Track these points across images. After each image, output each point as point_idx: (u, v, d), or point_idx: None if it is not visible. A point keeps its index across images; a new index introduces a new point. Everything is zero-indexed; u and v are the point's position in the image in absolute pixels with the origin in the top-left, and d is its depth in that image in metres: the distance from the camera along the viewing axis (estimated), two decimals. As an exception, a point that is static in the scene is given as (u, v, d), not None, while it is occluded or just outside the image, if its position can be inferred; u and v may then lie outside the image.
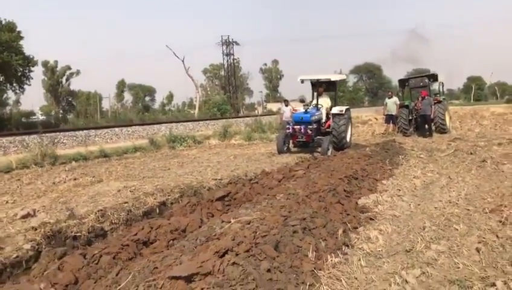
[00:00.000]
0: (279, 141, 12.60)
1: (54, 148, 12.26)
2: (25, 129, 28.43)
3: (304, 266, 3.48)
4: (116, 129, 18.41)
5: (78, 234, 4.99)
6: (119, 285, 3.08)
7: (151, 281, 2.96)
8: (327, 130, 12.72)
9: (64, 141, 14.91)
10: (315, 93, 13.40)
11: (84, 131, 17.11)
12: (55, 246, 4.71)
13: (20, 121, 41.34)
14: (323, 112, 13.02)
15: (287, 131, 12.66)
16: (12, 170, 10.31)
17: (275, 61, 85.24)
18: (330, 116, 12.93)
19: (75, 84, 67.32)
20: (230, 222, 4.40)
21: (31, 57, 32.83)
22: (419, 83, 17.67)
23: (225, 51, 54.76)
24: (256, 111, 63.91)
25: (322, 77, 13.66)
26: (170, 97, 73.64)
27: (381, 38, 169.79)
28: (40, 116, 63.31)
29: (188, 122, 24.77)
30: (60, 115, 58.85)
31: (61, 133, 16.02)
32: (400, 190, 6.55)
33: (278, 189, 6.25)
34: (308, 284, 3.18)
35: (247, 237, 3.69)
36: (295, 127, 12.37)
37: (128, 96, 72.04)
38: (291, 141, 13.00)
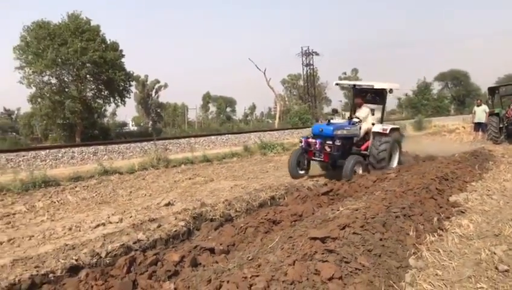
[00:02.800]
0: (292, 161, 10.04)
1: (166, 153, 14.12)
2: (118, 138, 31.80)
3: (407, 240, 4.38)
4: (212, 137, 20.31)
5: (213, 217, 6.29)
6: (267, 246, 4.22)
7: (292, 241, 4.06)
8: (363, 152, 10.17)
9: (169, 148, 16.87)
10: (358, 104, 10.93)
11: (186, 139, 19.12)
12: (199, 225, 6.05)
13: (115, 131, 45.79)
14: (362, 128, 10.35)
15: (301, 146, 10.19)
16: (135, 171, 12.14)
17: (355, 70, 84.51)
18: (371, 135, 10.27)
19: (163, 97, 72.30)
20: (339, 209, 5.41)
21: (131, 73, 36.48)
22: (510, 90, 17.37)
23: (305, 62, 55.87)
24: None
25: (362, 83, 11.41)
26: (253, 108, 76.47)
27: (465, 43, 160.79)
28: (131, 127, 69.00)
29: (272, 131, 26.13)
30: (150, 126, 63.79)
31: (167, 141, 18.13)
32: (489, 191, 7.10)
33: (374, 188, 7.14)
34: (412, 251, 4.10)
35: (359, 218, 4.67)
36: (309, 140, 9.88)
37: (212, 108, 75.90)
38: (310, 161, 10.22)
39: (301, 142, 10.16)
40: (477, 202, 6.29)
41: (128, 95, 37.17)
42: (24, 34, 32.23)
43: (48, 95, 32.30)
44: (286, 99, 73.48)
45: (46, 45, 31.21)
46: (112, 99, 35.84)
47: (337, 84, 11.37)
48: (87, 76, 33.25)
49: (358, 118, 10.42)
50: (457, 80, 77.91)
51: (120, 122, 62.05)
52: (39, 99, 33.02)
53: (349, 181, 8.25)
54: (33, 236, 6.01)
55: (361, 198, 6.21)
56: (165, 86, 70.38)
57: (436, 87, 75.48)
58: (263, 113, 78.46)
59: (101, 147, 15.93)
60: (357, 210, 5.18)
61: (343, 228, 4.28)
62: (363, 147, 10.37)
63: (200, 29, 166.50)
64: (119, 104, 36.63)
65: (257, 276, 3.11)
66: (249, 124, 57.00)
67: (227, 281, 2.98)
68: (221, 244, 4.46)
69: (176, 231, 5.74)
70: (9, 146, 25.77)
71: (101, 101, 36.06)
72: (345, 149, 9.86)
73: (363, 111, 10.74)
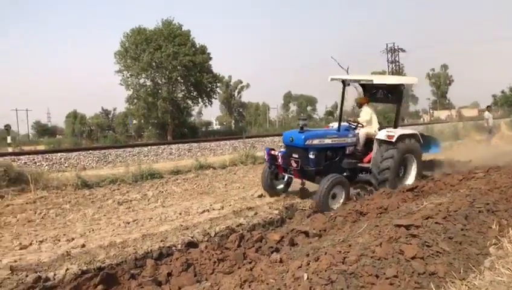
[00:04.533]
0: (265, 173, 8.58)
1: (253, 150, 15.09)
2: (205, 136, 33.74)
3: (489, 233, 4.68)
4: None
5: (303, 208, 6.96)
6: (355, 232, 4.79)
7: (378, 228, 4.59)
8: (364, 165, 8.44)
9: (255, 145, 17.87)
10: (359, 104, 9.29)
11: (270, 137, 20.06)
12: (291, 214, 6.77)
13: (201, 129, 48.38)
14: (361, 133, 8.61)
15: (265, 160, 8.65)
16: (226, 167, 13.18)
17: (444, 66, 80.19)
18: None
19: (246, 97, 74.44)
20: (423, 204, 5.79)
21: (218, 74, 38.45)
22: None
23: (390, 59, 54.48)
24: (421, 119, 61.64)
25: (362, 77, 9.13)
26: (335, 107, 76.06)
27: None
28: (214, 126, 72.09)
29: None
30: (232, 125, 66.22)
31: (252, 139, 19.19)
32: None
33: (460, 186, 7.33)
34: (493, 241, 4.42)
35: (442, 211, 5.05)
36: (273, 152, 8.26)
37: (292, 107, 76.77)
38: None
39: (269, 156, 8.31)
40: None
41: (214, 96, 39.28)
42: (123, 40, 35.40)
43: (143, 96, 35.20)
44: (369, 97, 71.99)
45: (142, 49, 34.05)
46: (199, 100, 38.06)
47: (332, 79, 8.37)
48: (178, 78, 35.64)
49: (356, 122, 8.82)
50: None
51: (205, 122, 65.15)
52: (135, 100, 36.10)
53: (323, 212, 6.54)
54: (152, 218, 7.14)
55: (445, 195, 6.49)
56: (247, 86, 72.39)
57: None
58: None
59: (195, 144, 17.37)
60: (440, 204, 5.53)
61: (427, 218, 4.70)
62: (365, 159, 8.50)
63: (282, 28, 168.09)
64: (206, 104, 38.77)
65: (348, 252, 3.71)
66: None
67: (325, 253, 3.61)
68: (314, 229, 5.12)
69: (271, 218, 6.52)
70: (110, 143, 28.71)
71: (190, 102, 38.46)
72: (329, 163, 8.07)
73: (364, 112, 8.95)
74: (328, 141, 8.00)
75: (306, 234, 4.95)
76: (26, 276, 4.30)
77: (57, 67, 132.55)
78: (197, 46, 36.39)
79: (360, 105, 9.17)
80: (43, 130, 61.49)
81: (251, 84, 75.97)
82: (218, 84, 40.03)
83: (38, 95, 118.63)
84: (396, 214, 5.46)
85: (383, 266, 3.49)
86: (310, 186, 8.17)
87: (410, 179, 8.61)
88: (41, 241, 6.09)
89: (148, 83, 35.89)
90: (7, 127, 20.71)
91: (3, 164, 10.02)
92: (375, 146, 8.29)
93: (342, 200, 7.31)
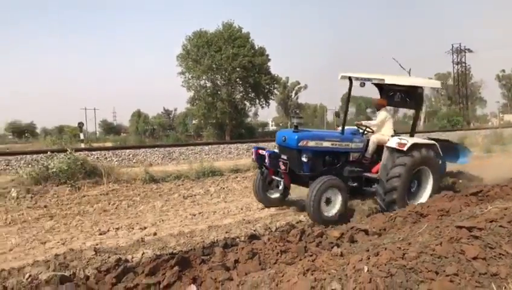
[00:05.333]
0: (257, 180, 7.94)
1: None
2: (262, 137, 34.17)
3: (558, 239, 4.57)
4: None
5: (363, 208, 7.06)
6: (415, 232, 4.86)
7: (439, 229, 4.63)
8: (372, 175, 7.63)
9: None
10: (377, 106, 8.50)
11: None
12: (351, 214, 6.91)
13: (257, 130, 49.03)
14: (372, 140, 7.89)
15: (253, 159, 7.88)
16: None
17: (516, 67, 75.32)
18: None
19: (303, 98, 74.36)
20: (487, 208, 5.71)
21: (276, 76, 38.84)
22: None
23: (455, 60, 52.22)
24: (489, 123, 58.52)
25: (372, 76, 7.61)
26: (396, 109, 73.94)
27: None
28: (270, 127, 72.57)
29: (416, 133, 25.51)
30: (289, 126, 66.34)
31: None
32: None
33: (528, 192, 7.10)
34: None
35: (507, 215, 4.98)
36: (260, 152, 7.49)
37: (351, 108, 75.55)
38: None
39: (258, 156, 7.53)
40: None
41: (272, 97, 39.68)
42: (185, 43, 36.73)
43: (203, 97, 36.32)
44: (433, 100, 69.36)
45: (203, 52, 35.13)
46: (257, 101, 38.62)
47: (343, 77, 7.60)
48: (237, 80, 36.42)
49: (365, 126, 8.09)
50: None
51: (262, 122, 65.80)
52: (196, 101, 37.32)
53: (315, 221, 6.42)
54: (215, 212, 7.56)
55: (512, 200, 6.34)
56: (305, 87, 72.24)
57: None
58: (406, 115, 75.24)
59: (253, 144, 17.77)
60: (506, 209, 5.44)
61: (491, 221, 4.68)
62: (374, 169, 7.73)
63: (341, 30, 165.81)
64: (263, 105, 39.26)
65: (408, 249, 3.83)
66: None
67: (384, 249, 3.76)
68: (373, 227, 5.24)
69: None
70: (173, 141, 29.94)
71: (247, 103, 39.13)
72: (327, 169, 7.30)
73: (380, 116, 8.21)
74: (327, 144, 7.27)
75: (366, 232, 5.09)
76: (109, 257, 4.79)
77: (122, 70, 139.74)
78: (256, 47, 36.96)
79: (378, 107, 8.39)
80: (109, 128, 65.05)
81: (309, 85, 75.75)
82: (276, 86, 40.37)
83: (105, 95, 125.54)
84: (458, 217, 5.45)
85: (443, 264, 3.58)
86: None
87: (423, 197, 7.58)
88: (117, 229, 6.68)
89: (208, 84, 36.98)
90: (80, 125, 22.19)
91: (80, 158, 10.90)
92: (384, 154, 7.42)
93: (338, 207, 6.69)
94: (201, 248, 5.00)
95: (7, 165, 11.99)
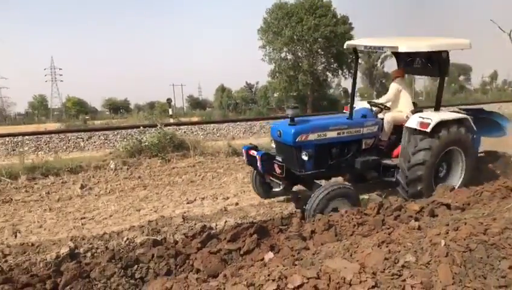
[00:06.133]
0: (253, 175, 6.99)
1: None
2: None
3: None
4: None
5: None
6: (502, 207, 4.61)
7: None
8: (391, 162, 6.59)
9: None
10: (393, 77, 7.22)
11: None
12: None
13: (340, 102, 47.94)
14: (386, 119, 6.72)
15: (246, 160, 6.76)
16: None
17: None
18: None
19: (390, 67, 70.78)
20: None
21: (358, 45, 37.56)
22: None
23: None
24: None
25: (383, 43, 6.54)
26: (494, 75, 67.98)
27: None
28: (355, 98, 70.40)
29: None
30: (374, 97, 64.01)
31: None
32: None
33: None
34: None
35: None
36: (250, 152, 6.31)
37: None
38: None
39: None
40: None
41: (355, 68, 38.52)
42: (266, 16, 36.71)
43: (284, 70, 36.31)
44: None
45: (284, 24, 34.88)
46: (340, 72, 37.76)
47: (348, 45, 6.69)
48: (319, 50, 35.80)
49: (379, 104, 6.83)
50: None
51: (345, 94, 64.13)
52: (277, 74, 37.43)
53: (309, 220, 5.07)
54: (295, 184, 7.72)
55: None
56: (392, 55, 68.66)
57: None
58: (506, 82, 68.80)
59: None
60: None
61: None
62: (394, 153, 6.67)
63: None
64: (346, 76, 38.26)
65: (491, 225, 3.67)
66: (488, 94, 51.16)
67: (464, 223, 3.65)
68: (456, 202, 5.05)
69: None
70: (255, 115, 30.51)
71: (329, 74, 38.43)
72: (335, 163, 6.29)
73: (391, 88, 6.97)
74: (332, 134, 6.13)
75: (447, 206, 4.92)
76: (195, 224, 5.21)
77: (206, 46, 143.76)
78: (338, 16, 35.87)
79: (394, 79, 7.11)
80: (196, 103, 67.87)
81: (395, 53, 71.77)
82: (360, 55, 39.16)
83: (192, 71, 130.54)
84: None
85: (530, 241, 3.41)
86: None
87: (455, 182, 6.50)
88: (202, 198, 7.17)
89: (290, 56, 36.82)
90: (169, 101, 23.56)
91: (169, 132, 11.65)
92: (404, 136, 6.35)
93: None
94: (280, 218, 5.22)
95: (105, 140, 13.23)
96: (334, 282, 2.97)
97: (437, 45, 6.43)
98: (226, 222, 5.37)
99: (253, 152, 6.18)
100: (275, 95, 45.09)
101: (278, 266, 3.30)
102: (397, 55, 7.63)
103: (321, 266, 3.15)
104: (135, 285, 3.56)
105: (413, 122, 6.15)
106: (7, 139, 13.27)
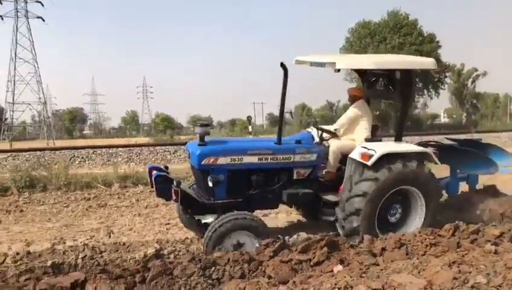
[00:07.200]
0: (178, 205, 5.89)
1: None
2: (431, 130, 31.86)
3: None
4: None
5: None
6: None
7: None
8: (332, 199, 5.61)
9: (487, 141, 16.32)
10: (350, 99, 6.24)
11: (507, 132, 18.03)
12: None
13: (426, 123, 45.90)
14: (332, 148, 5.82)
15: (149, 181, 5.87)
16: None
17: None
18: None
19: (481, 86, 66.32)
20: None
21: (447, 64, 35.92)
22: None
23: None
24: None
25: (321, 59, 5.57)
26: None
27: None
28: (442, 119, 66.98)
29: None
30: (464, 118, 60.35)
31: (484, 134, 17.59)
32: None
33: None
34: None
35: None
36: (154, 172, 5.51)
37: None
38: None
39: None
40: None
41: (442, 87, 36.89)
42: (348, 35, 36.67)
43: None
44: None
45: (366, 43, 34.59)
46: (425, 91, 36.38)
47: (297, 62, 5.79)
48: (403, 70, 34.85)
49: (324, 130, 5.92)
50: None
51: (432, 114, 61.39)
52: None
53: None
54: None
55: None
56: (484, 74, 64.52)
57: None
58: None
59: (416, 138, 17.02)
60: None
61: None
62: (341, 188, 5.62)
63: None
64: (433, 96, 36.77)
65: None
66: None
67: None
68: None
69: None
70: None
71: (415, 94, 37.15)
72: (257, 193, 5.51)
73: (348, 113, 6.06)
74: (251, 159, 5.37)
75: (532, 233, 4.68)
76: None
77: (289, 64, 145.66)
78: (425, 34, 34.76)
79: (352, 100, 6.15)
80: (275, 121, 68.82)
81: (489, 72, 67.50)
82: (447, 74, 37.30)
83: (272, 89, 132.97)
84: None
85: None
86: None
87: (410, 229, 5.39)
88: (277, 213, 7.43)
89: (372, 75, 36.26)
90: (249, 118, 24.36)
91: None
92: (348, 168, 5.53)
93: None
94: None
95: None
96: (399, 295, 3.05)
97: (387, 62, 5.73)
98: (298, 235, 5.58)
99: (155, 172, 5.47)
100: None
101: (344, 277, 3.44)
102: (362, 75, 6.60)
103: (387, 279, 3.24)
104: (212, 285, 3.88)
105: (356, 153, 5.39)
106: (104, 150, 14.71)
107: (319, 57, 5.55)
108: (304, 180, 5.70)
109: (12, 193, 9.96)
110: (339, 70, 5.12)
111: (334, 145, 5.81)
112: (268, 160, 5.43)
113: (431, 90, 36.08)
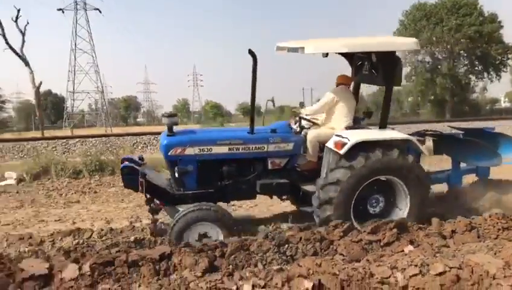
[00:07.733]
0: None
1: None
2: (489, 115, 30.23)
3: None
4: None
5: None
6: None
7: None
8: (312, 189, 5.32)
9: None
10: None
11: None
12: None
13: (484, 107, 43.74)
14: (309, 137, 5.55)
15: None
16: None
17: None
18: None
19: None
20: None
21: (510, 44, 33.95)
22: None
23: None
24: None
25: (296, 45, 5.21)
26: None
27: None
28: (502, 104, 63.41)
29: None
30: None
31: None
32: None
33: None
34: None
35: None
36: (126, 161, 5.48)
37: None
38: None
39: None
40: None
41: (504, 69, 34.98)
42: (402, 18, 35.48)
43: (421, 72, 34.68)
44: None
45: (422, 25, 33.35)
46: (485, 74, 34.68)
47: (278, 48, 5.61)
48: (461, 52, 33.42)
49: (301, 117, 5.66)
50: None
51: (491, 99, 58.40)
52: (413, 77, 35.88)
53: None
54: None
55: None
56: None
57: None
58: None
59: (475, 123, 16.45)
60: None
61: None
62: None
63: None
64: (493, 79, 35.00)
65: None
66: None
67: None
68: None
69: None
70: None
71: (473, 77, 35.54)
72: (230, 184, 5.41)
73: (324, 98, 5.69)
74: (221, 149, 5.30)
75: None
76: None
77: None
78: (485, 14, 32.99)
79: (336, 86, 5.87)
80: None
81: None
82: (510, 56, 35.26)
83: (325, 73, 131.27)
84: None
85: None
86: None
87: (395, 214, 5.24)
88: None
89: (427, 59, 35.04)
90: (301, 104, 24.31)
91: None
92: (325, 157, 5.24)
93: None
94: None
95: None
96: (477, 274, 3.15)
97: (360, 45, 5.38)
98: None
99: (126, 163, 5.41)
100: (409, 99, 43.17)
101: (419, 256, 3.56)
102: (349, 59, 6.20)
103: (463, 259, 3.33)
104: (286, 261, 4.12)
105: (331, 143, 5.08)
106: (157, 136, 15.34)
107: (294, 43, 5.33)
108: (280, 170, 5.58)
109: (84, 176, 10.69)
110: (320, 55, 5.08)
111: (310, 134, 5.60)
112: (240, 150, 5.36)
113: (491, 72, 34.27)
